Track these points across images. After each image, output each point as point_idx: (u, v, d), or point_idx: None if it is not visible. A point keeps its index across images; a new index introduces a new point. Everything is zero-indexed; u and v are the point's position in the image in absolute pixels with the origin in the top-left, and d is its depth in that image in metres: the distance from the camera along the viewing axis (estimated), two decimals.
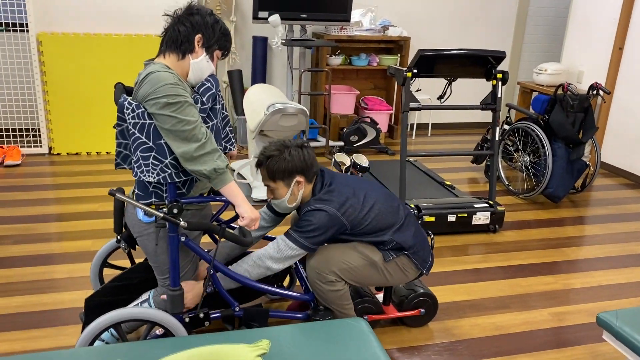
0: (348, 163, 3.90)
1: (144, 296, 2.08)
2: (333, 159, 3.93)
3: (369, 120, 5.13)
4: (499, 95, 3.51)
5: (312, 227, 2.04)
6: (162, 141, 1.84)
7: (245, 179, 4.16)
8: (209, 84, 1.96)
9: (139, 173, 1.89)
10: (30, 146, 4.60)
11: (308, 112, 5.66)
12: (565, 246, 3.43)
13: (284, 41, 4.68)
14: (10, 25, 4.59)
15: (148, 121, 1.83)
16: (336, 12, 4.84)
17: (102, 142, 4.66)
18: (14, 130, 4.83)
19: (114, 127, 1.95)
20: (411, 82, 3.40)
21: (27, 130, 4.89)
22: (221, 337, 1.59)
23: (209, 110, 1.96)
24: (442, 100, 3.69)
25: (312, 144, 5.16)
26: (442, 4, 5.73)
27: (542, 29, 6.24)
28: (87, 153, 4.66)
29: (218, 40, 1.95)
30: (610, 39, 4.82)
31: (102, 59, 4.46)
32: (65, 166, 4.36)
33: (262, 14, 4.63)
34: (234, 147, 2.21)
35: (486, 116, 6.28)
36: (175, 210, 1.86)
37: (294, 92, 5.11)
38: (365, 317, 2.40)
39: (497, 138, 3.59)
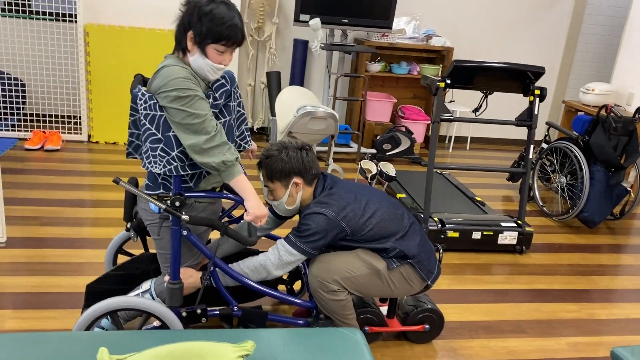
0: (374, 171, 3.85)
1: (145, 285, 2.09)
2: (359, 166, 3.89)
3: (404, 129, 5.05)
4: (536, 112, 3.39)
5: (311, 232, 2.01)
6: (170, 133, 1.85)
7: None
8: (223, 81, 1.96)
9: (147, 164, 1.91)
10: (71, 133, 4.75)
11: (341, 118, 5.64)
12: (594, 274, 3.27)
13: (323, 45, 4.67)
14: (60, 15, 4.76)
15: (159, 113, 1.84)
16: (379, 19, 4.80)
17: None
18: (56, 116, 5.00)
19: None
20: (444, 92, 3.32)
21: (68, 117, 5.05)
22: (207, 334, 1.58)
23: (222, 106, 1.96)
24: (478, 113, 3.59)
25: (344, 150, 5.13)
26: (490, 16, 5.60)
27: (594, 47, 6.01)
28: (124, 143, 4.78)
29: (208, 34, 1.81)
30: None
31: (144, 53, 4.56)
32: (101, 154, 4.48)
33: (303, 17, 4.64)
34: (249, 145, 2.21)
35: (526, 133, 6.08)
36: (177, 203, 1.86)
37: (329, 96, 5.10)
38: (367, 328, 2.34)
39: (530, 156, 3.47)
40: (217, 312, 2.12)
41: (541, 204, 4.19)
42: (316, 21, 4.47)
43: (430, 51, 5.44)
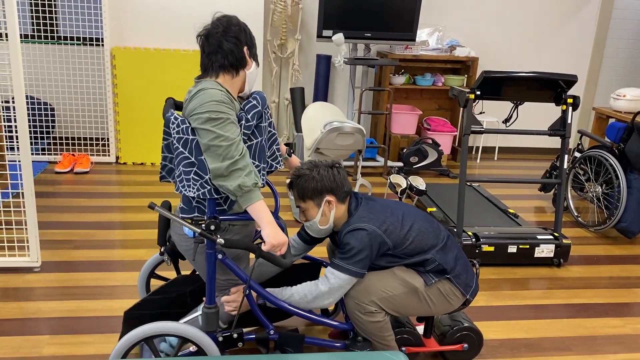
0: (404, 185, 3.79)
1: (200, 308, 2.07)
2: (389, 180, 3.84)
3: (430, 141, 5.00)
4: (569, 121, 3.31)
5: (355, 250, 1.97)
6: (203, 157, 1.85)
7: None
8: (254, 102, 1.96)
9: (180, 187, 1.90)
10: (100, 155, 4.80)
11: (367, 131, 5.61)
12: (637, 287, 3.16)
13: (346, 60, 4.66)
14: (88, 40, 4.84)
15: (191, 137, 1.85)
16: (401, 32, 4.77)
17: None
18: (85, 139, 5.07)
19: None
20: (474, 104, 3.27)
21: (97, 139, 5.11)
22: None
23: (254, 127, 1.95)
24: (508, 124, 3.53)
25: (371, 164, 5.09)
26: (514, 24, 5.54)
27: (622, 52, 5.89)
28: (152, 164, 4.81)
29: (254, 41, 2.01)
30: None
31: (170, 74, 4.61)
32: (130, 175, 4.51)
33: (326, 33, 4.64)
34: (280, 165, 2.19)
35: (557, 142, 5.98)
36: (212, 227, 1.85)
37: (354, 110, 5.07)
38: (403, 348, 2.29)
39: (565, 166, 3.38)
40: (254, 336, 2.09)
41: (576, 214, 4.08)
42: (339, 36, 4.46)
43: (454, 62, 5.39)
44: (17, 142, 2.70)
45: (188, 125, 1.85)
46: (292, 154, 2.38)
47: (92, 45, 4.83)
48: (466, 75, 5.31)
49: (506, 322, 2.73)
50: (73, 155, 4.58)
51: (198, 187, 1.87)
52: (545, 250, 3.29)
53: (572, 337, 2.62)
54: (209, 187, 1.87)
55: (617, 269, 3.37)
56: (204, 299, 2.08)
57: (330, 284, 1.98)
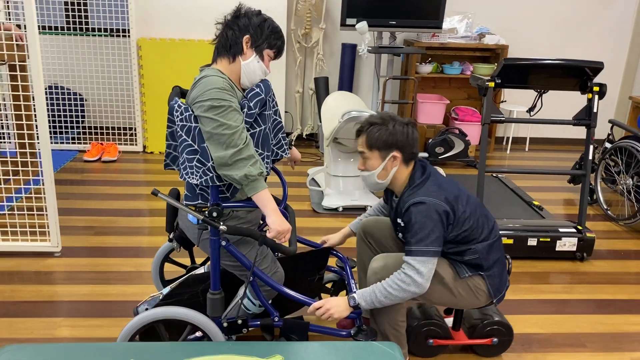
0: None
1: (241, 291, 2.10)
2: None
3: (457, 131, 4.90)
4: (595, 110, 3.18)
5: (429, 230, 1.89)
6: (206, 144, 1.86)
7: (319, 185, 4.13)
8: (258, 90, 1.95)
9: (184, 175, 1.92)
10: (127, 144, 4.91)
11: None
12: None
13: (370, 48, 4.60)
14: (114, 31, 4.94)
15: (194, 124, 1.85)
16: (427, 19, 4.67)
17: None
18: (113, 128, 5.19)
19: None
20: (496, 92, 3.18)
21: (124, 129, 5.23)
22: (236, 347, 1.55)
23: (257, 115, 1.94)
24: (533, 113, 3.42)
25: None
26: (547, 10, 5.35)
27: None
28: None
29: (267, 39, 1.95)
30: None
31: (194, 63, 4.66)
32: (156, 164, 4.60)
33: (349, 21, 4.59)
34: (286, 154, 2.18)
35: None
36: (214, 214, 1.85)
37: (379, 100, 5.01)
38: (431, 341, 2.26)
39: (590, 157, 3.25)
40: (258, 322, 2.10)
41: (605, 207, 3.93)
42: (363, 24, 4.40)
43: (483, 50, 5.25)
44: (37, 131, 2.77)
45: (191, 113, 1.86)
46: (292, 147, 2.37)
47: (119, 36, 4.93)
48: (496, 64, 5.17)
49: (521, 317, 2.65)
50: (101, 144, 4.70)
51: (201, 174, 1.88)
52: (567, 244, 3.18)
53: (588, 333, 2.53)
54: (211, 175, 1.88)
55: None
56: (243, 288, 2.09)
57: (417, 269, 1.91)
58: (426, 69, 5.10)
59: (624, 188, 3.81)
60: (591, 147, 3.25)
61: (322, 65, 5.05)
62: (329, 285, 2.54)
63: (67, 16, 4.90)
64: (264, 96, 1.95)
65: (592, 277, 3.06)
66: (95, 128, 5.17)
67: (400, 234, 2.08)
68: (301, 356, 1.57)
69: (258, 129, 1.95)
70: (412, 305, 2.39)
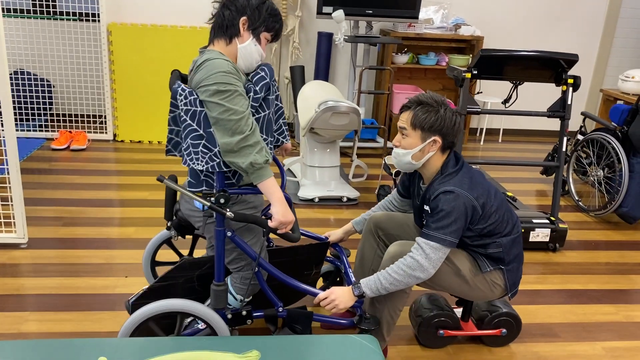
0: None
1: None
2: (384, 162, 3.78)
3: None
4: (569, 102, 3.20)
5: (452, 219, 1.88)
6: (212, 129, 1.81)
7: (295, 176, 4.09)
8: (263, 73, 1.90)
9: (188, 160, 1.86)
10: (97, 132, 4.78)
11: (368, 112, 5.51)
12: (634, 273, 3.08)
13: (346, 37, 4.56)
14: (84, 15, 4.79)
15: (199, 108, 1.80)
16: (404, 9, 4.65)
17: (163, 131, 4.76)
18: (82, 116, 5.04)
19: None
20: (471, 83, 3.18)
21: (94, 116, 5.09)
22: (212, 342, 1.51)
23: (262, 100, 1.89)
24: (508, 104, 3.43)
25: (371, 145, 5.01)
26: (521, 2, 5.38)
27: (634, 32, 5.71)
28: (149, 142, 4.78)
29: (264, 22, 1.89)
30: None
31: (167, 50, 4.55)
32: (127, 153, 4.49)
33: (326, 9, 4.54)
34: (287, 140, 2.14)
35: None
36: (222, 200, 1.82)
37: (355, 90, 4.99)
38: (442, 331, 2.26)
39: (564, 149, 3.29)
40: (262, 313, 2.08)
41: (577, 198, 3.99)
42: (339, 13, 4.36)
43: (459, 41, 5.26)
44: (1, 118, 2.66)
45: (196, 97, 1.80)
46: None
47: (89, 21, 4.78)
48: (471, 55, 5.18)
49: None
50: (70, 132, 4.56)
51: (207, 159, 1.83)
52: (540, 235, 3.21)
53: (561, 323, 2.56)
54: (218, 160, 1.83)
55: (615, 255, 3.29)
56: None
57: (426, 255, 1.90)
58: (402, 59, 5.08)
59: (594, 179, 3.87)
60: (565, 139, 3.28)
61: (298, 53, 4.99)
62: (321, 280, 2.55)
63: None
64: (268, 80, 1.91)
65: (564, 268, 3.10)
66: (64, 115, 5.02)
67: (424, 220, 2.06)
68: (277, 351, 1.54)
69: (263, 114, 1.91)
70: (420, 296, 2.41)
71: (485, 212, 1.95)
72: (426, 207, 2.01)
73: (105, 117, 4.85)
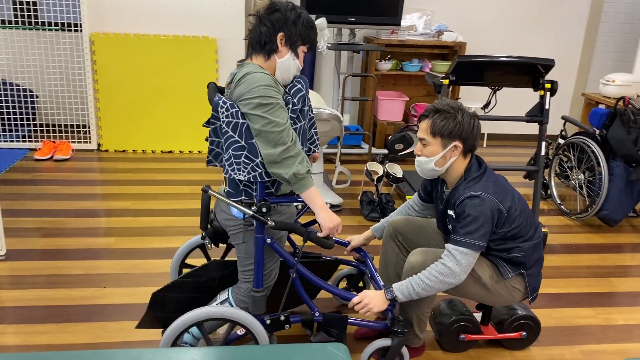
0: (381, 172, 3.74)
1: (222, 295, 2.09)
2: (366, 168, 3.78)
3: (416, 128, 4.92)
4: (547, 107, 3.23)
5: (480, 223, 1.91)
6: (254, 140, 1.86)
7: None
8: (299, 85, 1.95)
9: (229, 171, 1.91)
10: (80, 142, 4.77)
11: (353, 118, 5.52)
12: (614, 276, 3.10)
13: (329, 45, 4.58)
14: (65, 25, 4.78)
15: (241, 120, 1.86)
16: (386, 16, 4.68)
17: (148, 140, 4.75)
18: (65, 126, 5.02)
19: (204, 125, 2.01)
20: (449, 90, 3.19)
21: (78, 126, 5.07)
22: (178, 353, 1.51)
23: (299, 111, 1.94)
24: (487, 110, 3.45)
25: (356, 151, 5.02)
26: (503, 8, 5.42)
27: (615, 36, 5.77)
28: (133, 151, 4.77)
29: (301, 35, 1.93)
30: None
31: (150, 59, 4.55)
32: (111, 162, 4.48)
33: None
34: (318, 149, 2.17)
35: (547, 129, 5.87)
36: (264, 209, 1.87)
37: (339, 97, 5.00)
38: (463, 336, 2.29)
39: (543, 153, 3.30)
40: (299, 318, 2.13)
41: (559, 202, 4.01)
42: (322, 20, 4.37)
43: (441, 47, 5.29)
44: None
45: (237, 109, 1.86)
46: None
47: (71, 30, 4.77)
48: None
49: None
50: (53, 142, 4.55)
51: (249, 170, 1.89)
52: None
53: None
54: (260, 171, 1.89)
55: (595, 258, 3.30)
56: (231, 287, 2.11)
57: (457, 261, 1.93)
58: (386, 66, 5.11)
59: (576, 183, 3.89)
60: (544, 143, 3.30)
61: None
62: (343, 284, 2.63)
63: (16, 9, 4.72)
64: (304, 92, 1.96)
65: (544, 272, 3.11)
66: (47, 125, 5.00)
67: (450, 225, 2.08)
68: None
69: (299, 125, 1.96)
70: (439, 302, 2.43)
71: (510, 215, 1.98)
72: (450, 212, 2.05)
73: (89, 127, 4.84)
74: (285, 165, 1.84)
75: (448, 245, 1.96)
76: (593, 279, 3.05)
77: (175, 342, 1.95)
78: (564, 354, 2.37)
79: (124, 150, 4.77)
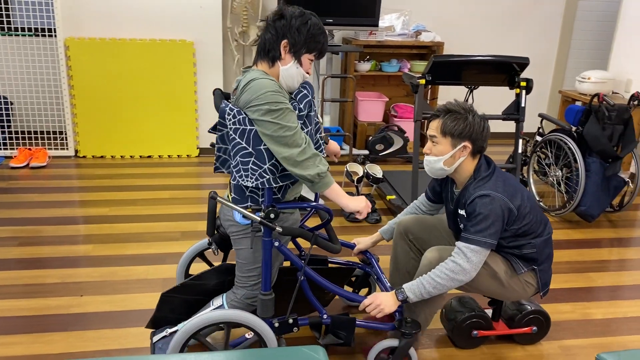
0: (361, 173, 3.74)
1: (216, 302, 2.08)
2: (345, 169, 3.78)
3: (396, 128, 4.94)
4: (523, 105, 3.26)
5: (490, 222, 1.93)
6: (261, 147, 1.86)
7: None
8: (305, 91, 1.95)
9: (237, 177, 1.90)
10: (57, 149, 4.70)
11: (333, 119, 5.52)
12: (592, 271, 3.13)
13: None
14: (39, 30, 4.72)
15: (249, 127, 1.85)
16: (364, 17, 4.68)
17: (126, 146, 4.70)
18: (42, 132, 4.95)
19: (210, 131, 2.00)
20: (427, 89, 3.21)
21: (54, 132, 5.00)
22: None
23: (305, 117, 1.94)
24: None
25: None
26: (480, 7, 5.46)
27: (590, 34, 5.84)
28: (112, 156, 4.72)
29: (305, 44, 1.90)
30: None
31: (127, 64, 4.50)
32: (89, 169, 4.42)
33: None
34: (323, 154, 2.17)
35: (526, 127, 5.93)
36: (272, 215, 1.87)
37: (319, 99, 4.99)
38: (475, 332, 2.31)
39: (520, 151, 3.33)
40: (307, 321, 2.13)
41: (538, 199, 4.04)
42: None
43: (420, 47, 5.31)
44: None
45: (245, 116, 1.85)
46: (342, 134, 2.42)
47: (45, 36, 4.71)
48: None
49: None
50: (29, 149, 4.48)
51: (257, 176, 1.88)
52: None
53: None
54: (267, 177, 1.89)
55: (574, 254, 3.34)
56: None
57: (468, 258, 1.95)
58: (365, 67, 5.12)
59: (554, 180, 3.93)
60: (520, 140, 3.33)
61: None
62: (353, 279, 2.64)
63: None
64: (310, 98, 1.96)
65: None
66: (23, 132, 4.93)
67: (461, 224, 2.10)
68: None
69: (305, 130, 1.96)
70: (450, 299, 2.46)
71: (520, 213, 2.01)
72: (461, 212, 2.07)
73: (65, 133, 4.77)
74: (307, 167, 1.85)
75: (459, 243, 1.99)
76: (572, 274, 3.08)
77: (183, 350, 1.96)
78: (543, 350, 2.39)
79: (102, 156, 4.71)
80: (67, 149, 4.67)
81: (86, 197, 3.84)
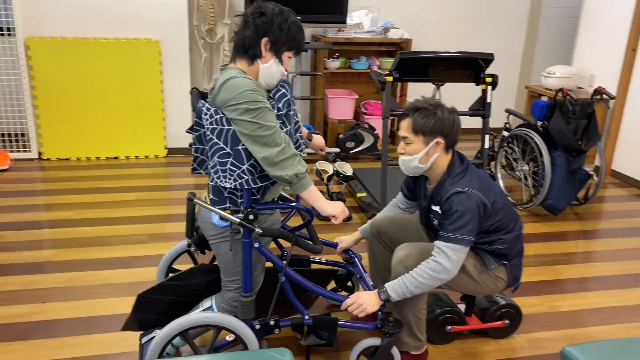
0: (331, 171, 3.73)
1: (206, 303, 2.04)
2: (315, 167, 3.77)
3: (366, 125, 4.94)
4: (489, 101, 3.28)
5: (467, 219, 1.93)
6: (240, 147, 1.82)
7: None
8: (284, 90, 1.91)
9: (215, 178, 1.86)
10: (20, 151, 4.57)
11: (304, 117, 5.50)
12: (558, 263, 3.18)
13: None
14: None
15: (226, 127, 1.81)
16: (332, 14, 4.67)
17: (91, 147, 4.60)
18: (2, 135, 4.80)
19: (187, 131, 1.94)
20: (393, 86, 3.21)
21: (16, 134, 4.86)
22: None
23: (284, 116, 1.90)
24: None
25: (307, 150, 4.99)
26: (448, 3, 5.50)
27: (556, 30, 5.94)
28: (77, 158, 4.61)
29: (287, 42, 1.87)
30: (623, 41, 4.52)
31: (91, 63, 4.40)
32: (52, 172, 4.31)
33: None
34: (303, 153, 2.12)
35: (495, 122, 6.00)
36: (251, 217, 1.83)
37: None
38: (449, 327, 2.31)
39: (486, 146, 3.36)
40: (289, 322, 2.09)
41: (506, 193, 4.09)
42: None
43: (388, 44, 5.32)
44: None
45: (222, 115, 1.80)
46: (316, 134, 2.40)
47: (4, 35, 4.56)
48: None
49: None
50: None
51: (235, 177, 1.85)
52: None
53: None
54: (246, 178, 1.85)
55: (541, 247, 3.38)
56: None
57: (449, 257, 1.94)
58: (334, 64, 5.10)
59: (521, 174, 3.98)
60: (487, 136, 3.36)
61: (228, 61, 4.92)
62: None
63: None
64: (289, 97, 1.92)
65: None
66: None
67: (435, 221, 2.10)
68: None
69: (285, 130, 1.92)
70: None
71: (494, 209, 2.02)
72: (434, 208, 2.08)
73: (27, 135, 4.64)
74: (285, 167, 1.82)
75: (438, 243, 1.98)
76: (539, 267, 3.12)
77: (162, 353, 1.92)
78: (510, 343, 2.41)
79: (67, 158, 4.60)
80: (30, 151, 4.54)
81: (50, 201, 3.74)
